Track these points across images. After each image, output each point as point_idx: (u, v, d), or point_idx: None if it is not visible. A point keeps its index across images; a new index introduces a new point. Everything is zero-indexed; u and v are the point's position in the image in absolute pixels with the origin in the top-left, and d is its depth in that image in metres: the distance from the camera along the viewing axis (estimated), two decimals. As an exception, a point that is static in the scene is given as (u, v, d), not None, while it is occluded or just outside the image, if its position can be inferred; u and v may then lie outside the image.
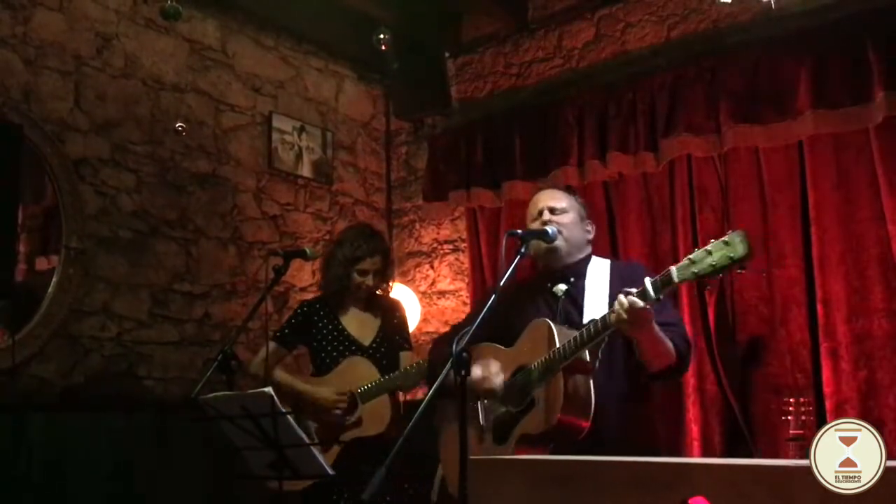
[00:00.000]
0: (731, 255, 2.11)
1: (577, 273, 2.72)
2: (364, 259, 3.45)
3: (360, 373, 3.37)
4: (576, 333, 2.47)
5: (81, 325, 3.86)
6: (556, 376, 2.47)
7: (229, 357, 2.82)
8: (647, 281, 2.29)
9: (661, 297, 2.28)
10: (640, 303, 2.28)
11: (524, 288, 2.81)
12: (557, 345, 2.48)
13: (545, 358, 2.51)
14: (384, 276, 3.56)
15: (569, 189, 3.05)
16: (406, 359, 3.53)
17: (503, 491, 1.88)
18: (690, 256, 2.19)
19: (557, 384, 2.46)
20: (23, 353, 3.53)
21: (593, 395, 2.45)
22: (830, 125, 3.64)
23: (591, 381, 2.47)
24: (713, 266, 2.14)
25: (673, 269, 2.23)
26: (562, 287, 2.71)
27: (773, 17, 3.88)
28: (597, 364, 2.51)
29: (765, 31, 3.94)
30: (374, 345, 3.48)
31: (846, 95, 3.61)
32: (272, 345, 3.43)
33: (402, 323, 3.62)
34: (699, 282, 2.18)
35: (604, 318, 2.41)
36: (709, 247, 2.16)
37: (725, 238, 2.13)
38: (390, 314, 3.58)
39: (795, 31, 3.82)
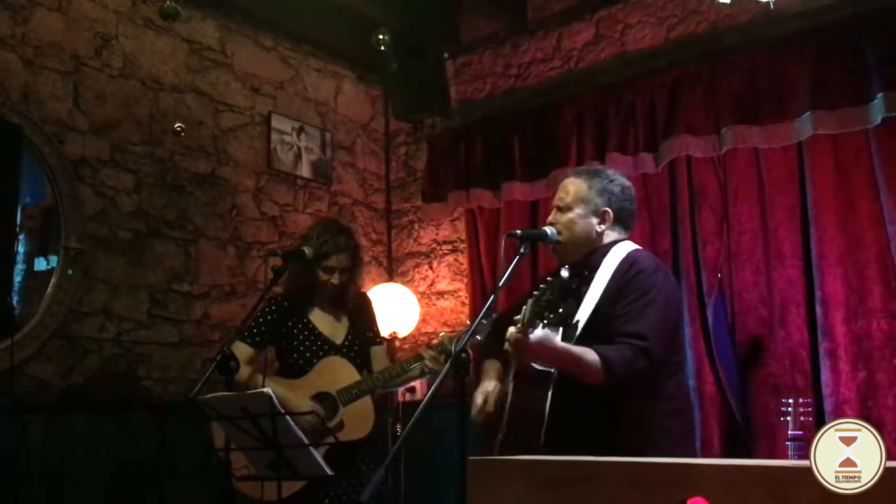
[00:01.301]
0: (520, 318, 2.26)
1: (589, 267, 2.65)
2: (329, 256, 3.28)
3: (339, 374, 3.26)
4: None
5: (80, 326, 3.85)
6: (510, 387, 2.50)
7: (228, 357, 2.81)
8: (524, 309, 2.30)
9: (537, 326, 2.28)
10: (516, 334, 2.32)
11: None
12: None
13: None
14: (352, 276, 3.37)
15: (595, 171, 2.81)
16: (377, 353, 3.44)
17: (502, 492, 1.87)
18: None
19: (508, 394, 2.49)
20: (21, 354, 3.51)
21: (548, 402, 2.43)
22: (830, 126, 3.64)
23: (550, 389, 2.44)
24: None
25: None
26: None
27: (772, 18, 3.88)
28: (554, 371, 2.47)
29: (764, 31, 3.94)
30: (346, 343, 3.36)
31: (845, 96, 3.60)
32: (242, 345, 3.25)
33: (372, 318, 3.50)
34: None
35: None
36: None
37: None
38: (358, 309, 3.45)
39: (794, 32, 3.81)
